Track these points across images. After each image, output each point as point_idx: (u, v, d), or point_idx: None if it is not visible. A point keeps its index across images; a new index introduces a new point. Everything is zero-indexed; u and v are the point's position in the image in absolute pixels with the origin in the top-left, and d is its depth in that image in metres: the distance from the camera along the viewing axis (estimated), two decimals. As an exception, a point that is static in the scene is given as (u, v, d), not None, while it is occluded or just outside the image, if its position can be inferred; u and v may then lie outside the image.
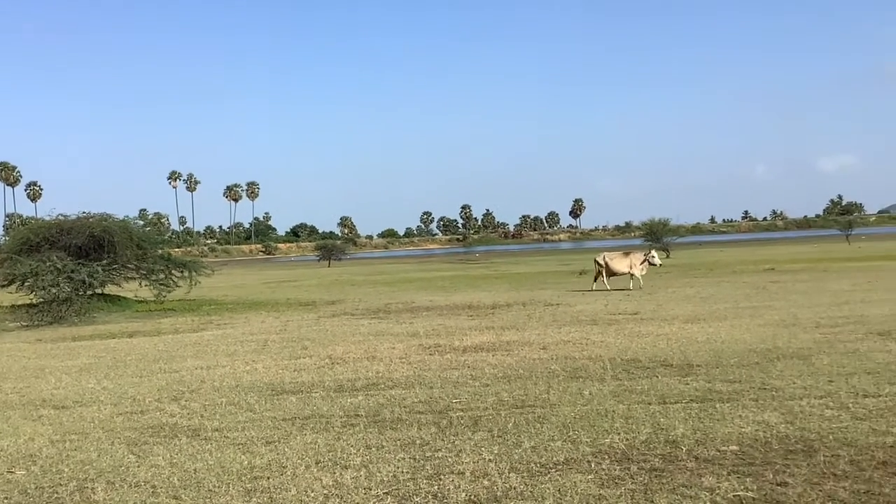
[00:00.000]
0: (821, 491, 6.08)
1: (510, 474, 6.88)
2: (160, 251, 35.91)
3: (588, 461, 7.13)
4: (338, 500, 6.53)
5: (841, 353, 12.02)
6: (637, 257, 30.93)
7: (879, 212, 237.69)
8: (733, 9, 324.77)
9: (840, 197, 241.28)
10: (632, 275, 30.35)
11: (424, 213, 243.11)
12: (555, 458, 7.27)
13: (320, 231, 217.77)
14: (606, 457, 7.23)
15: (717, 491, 6.19)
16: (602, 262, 30.77)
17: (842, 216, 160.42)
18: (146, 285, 33.82)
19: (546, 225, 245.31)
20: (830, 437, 7.46)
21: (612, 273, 30.66)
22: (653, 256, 30.95)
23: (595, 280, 31.20)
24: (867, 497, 5.91)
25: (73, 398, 11.66)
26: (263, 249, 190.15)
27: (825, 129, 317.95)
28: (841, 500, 5.89)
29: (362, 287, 40.82)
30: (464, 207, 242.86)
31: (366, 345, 16.03)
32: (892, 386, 9.49)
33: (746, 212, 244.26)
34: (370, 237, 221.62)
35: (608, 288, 29.55)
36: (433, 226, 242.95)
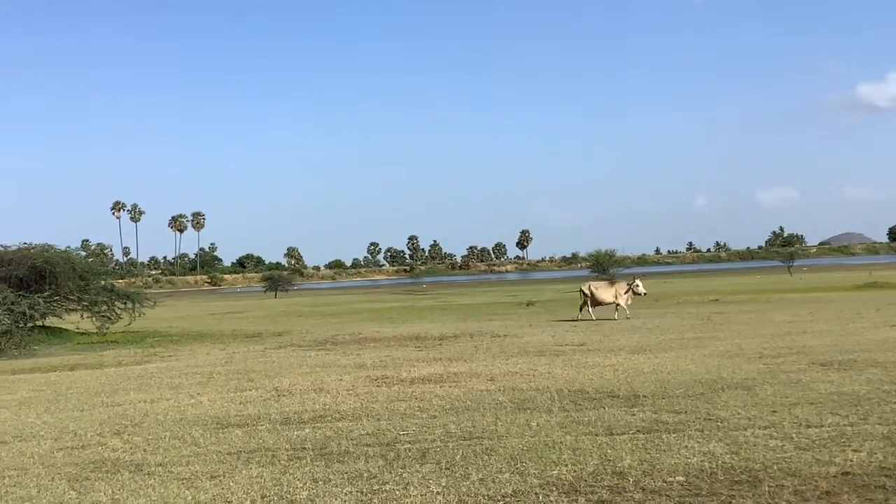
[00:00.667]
0: (766, 521, 6.14)
1: (458, 507, 6.85)
2: (103, 282, 35.34)
3: (536, 493, 7.13)
4: (284, 535, 6.45)
5: (784, 384, 12.17)
6: (622, 287, 30.76)
7: (820, 243, 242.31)
8: (675, 38, 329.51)
9: (781, 229, 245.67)
10: (617, 304, 30.19)
11: (372, 244, 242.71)
12: (503, 491, 7.26)
13: (267, 262, 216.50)
14: (554, 489, 7.23)
15: (664, 522, 6.22)
16: (588, 292, 30.49)
17: (783, 248, 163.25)
18: (88, 317, 33.24)
19: (493, 256, 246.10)
20: (775, 467, 7.54)
21: (597, 302, 30.32)
22: (637, 286, 30.64)
23: (580, 310, 30.82)
24: (811, 527, 5.98)
25: (12, 433, 11.40)
26: (209, 280, 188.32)
27: (765, 163, 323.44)
28: (785, 529, 5.95)
29: (309, 318, 40.56)
30: (411, 238, 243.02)
31: (313, 376, 15.90)
32: (834, 416, 9.63)
33: (691, 243, 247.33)
34: (317, 268, 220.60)
35: (593, 318, 29.40)
36: (380, 257, 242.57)
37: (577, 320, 29.51)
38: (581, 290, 31.16)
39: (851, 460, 7.63)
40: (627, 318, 28.97)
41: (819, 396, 10.97)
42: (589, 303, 30.31)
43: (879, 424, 9.08)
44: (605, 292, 30.44)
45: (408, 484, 7.64)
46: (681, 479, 7.33)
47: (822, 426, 9.16)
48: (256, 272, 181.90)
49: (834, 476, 7.18)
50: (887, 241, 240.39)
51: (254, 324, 37.50)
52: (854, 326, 21.28)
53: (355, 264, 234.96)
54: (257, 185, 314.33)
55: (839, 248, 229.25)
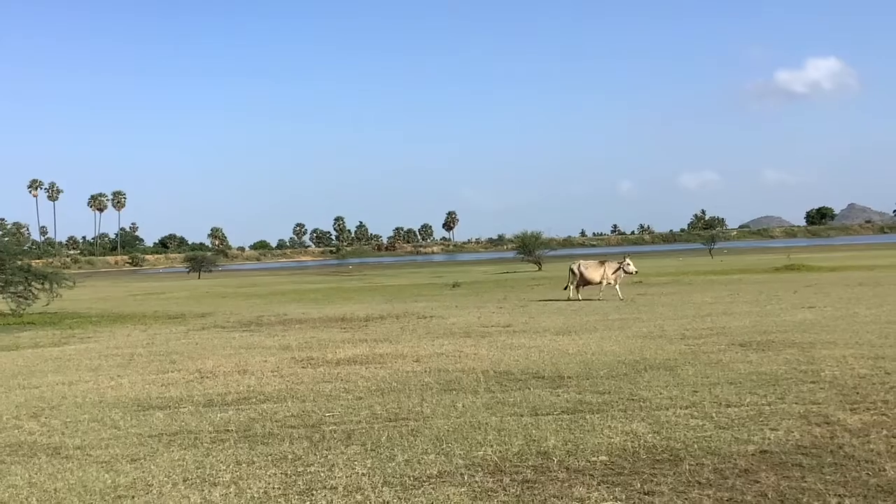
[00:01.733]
0: (686, 499, 6.23)
1: (383, 488, 6.83)
2: (19, 262, 34.36)
3: (461, 474, 7.14)
4: (206, 519, 6.36)
5: (705, 364, 12.38)
6: (611, 266, 29.71)
7: (740, 226, 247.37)
8: (599, 22, 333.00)
9: (703, 212, 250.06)
10: (607, 283, 29.32)
11: (297, 225, 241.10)
12: (428, 472, 7.26)
13: (190, 242, 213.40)
14: (479, 469, 7.25)
15: (588, 501, 6.29)
16: (576, 271, 29.64)
17: (705, 231, 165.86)
18: (4, 298, 32.40)
19: (419, 237, 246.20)
20: (695, 446, 7.66)
21: (585, 282, 29.48)
22: (628, 264, 29.50)
23: (566, 288, 30.15)
24: (730, 504, 6.09)
25: (-78, 416, 11.06)
26: (130, 261, 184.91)
27: (687, 148, 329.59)
28: (706, 507, 6.05)
29: (233, 299, 40.10)
30: (337, 219, 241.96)
31: (237, 358, 15.72)
32: (753, 396, 9.82)
33: (615, 226, 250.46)
34: (242, 249, 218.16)
35: (579, 298, 28.90)
36: (306, 238, 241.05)
37: (568, 300, 28.75)
38: (570, 269, 30.17)
39: (769, 439, 7.79)
40: (621, 299, 27.74)
41: (738, 376, 11.18)
42: (578, 282, 29.49)
43: (796, 403, 9.28)
44: (594, 272, 29.53)
45: (333, 466, 7.59)
46: (604, 458, 7.41)
47: (742, 405, 9.34)
48: (179, 253, 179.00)
49: (752, 454, 7.32)
50: (804, 224, 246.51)
51: (176, 305, 36.93)
52: (772, 308, 21.74)
53: (280, 245, 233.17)
54: (181, 165, 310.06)
55: (759, 231, 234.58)
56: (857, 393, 9.64)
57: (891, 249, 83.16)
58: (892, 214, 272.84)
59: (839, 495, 6.16)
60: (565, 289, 30.38)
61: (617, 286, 29.29)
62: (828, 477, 6.58)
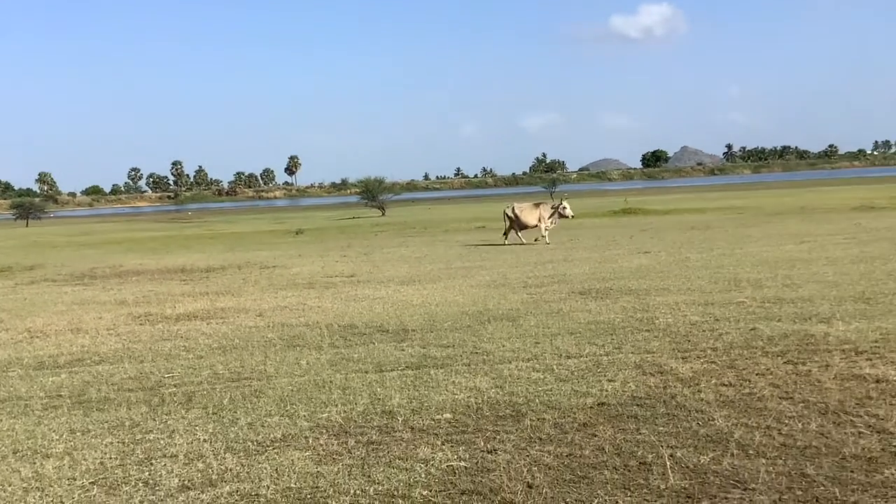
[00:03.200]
0: (527, 456, 6.34)
1: (226, 455, 6.70)
2: None
3: (306, 437, 7.07)
4: (38, 494, 6.09)
5: (546, 314, 12.64)
6: (546, 209, 28.66)
7: (580, 169, 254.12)
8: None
9: (544, 155, 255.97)
10: (546, 227, 28.36)
11: (132, 170, 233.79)
12: (272, 436, 7.16)
13: (16, 188, 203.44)
14: (324, 431, 7.20)
15: (432, 462, 6.32)
16: (511, 215, 28.56)
17: (546, 174, 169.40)
18: None
19: (261, 182, 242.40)
20: (536, 400, 7.80)
21: (523, 226, 28.36)
22: (564, 208, 28.68)
23: (505, 235, 29.12)
24: (569, 460, 6.23)
25: None
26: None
27: (527, 90, 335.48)
28: (546, 464, 6.17)
29: (65, 250, 38.50)
30: (175, 164, 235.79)
31: (69, 315, 15.10)
32: (592, 346, 10.08)
33: (459, 169, 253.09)
34: (73, 195, 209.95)
35: (523, 242, 28.01)
36: (142, 183, 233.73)
37: (503, 244, 28.07)
38: (505, 213, 29.27)
39: (606, 390, 8.01)
40: (547, 244, 27.06)
41: (578, 326, 11.45)
42: (515, 226, 28.58)
43: (632, 353, 9.58)
44: (528, 214, 28.43)
45: (173, 432, 7.39)
46: (448, 416, 7.46)
47: (581, 356, 9.57)
48: (4, 199, 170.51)
49: (591, 407, 7.51)
50: (641, 167, 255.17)
51: (2, 256, 35.17)
52: (610, 254, 22.38)
53: (115, 191, 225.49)
54: (4, 104, 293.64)
55: (598, 174, 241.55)
56: (689, 341, 10.02)
57: (720, 191, 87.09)
58: (722, 157, 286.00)
59: (671, 446, 6.39)
60: (504, 235, 29.33)
61: (545, 231, 28.36)
62: (661, 428, 6.82)
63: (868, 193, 56.73)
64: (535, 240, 28.08)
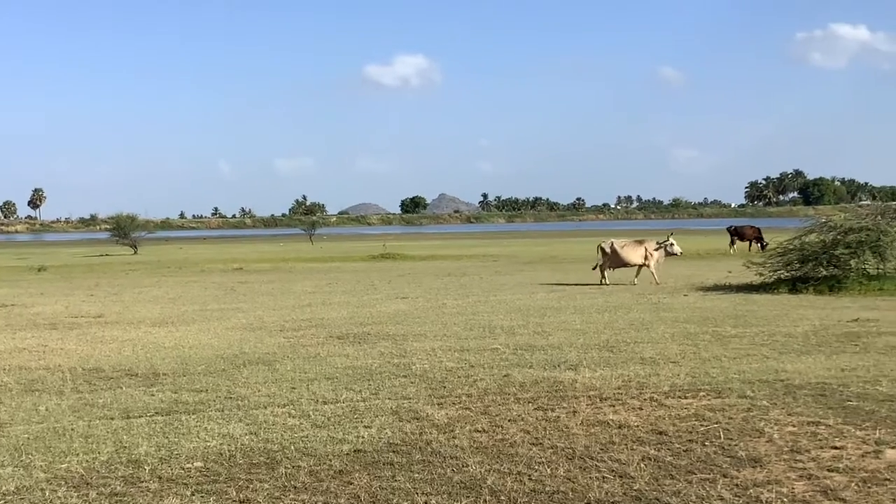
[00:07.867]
0: (282, 506, 6.19)
1: (-51, 511, 6.13)
2: None
3: (42, 489, 6.60)
4: None
5: (304, 358, 12.48)
6: (651, 245, 25.35)
7: (340, 212, 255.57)
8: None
9: (304, 197, 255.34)
10: (646, 266, 25.06)
11: None
12: (5, 488, 6.64)
13: None
14: (63, 483, 6.74)
15: (181, 514, 6.05)
16: (609, 250, 25.28)
17: (306, 216, 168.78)
18: None
19: (1, 215, 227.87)
20: (292, 447, 7.65)
21: (621, 263, 25.25)
22: (671, 244, 25.40)
23: (601, 271, 25.66)
24: (325, 509, 6.14)
25: None
26: None
27: (282, 132, 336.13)
28: (301, 513, 6.05)
29: None
30: None
31: None
32: (349, 391, 10.02)
33: (216, 208, 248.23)
34: None
35: (606, 283, 25.20)
36: None
37: (601, 284, 25.12)
38: (600, 248, 25.92)
39: (363, 437, 7.97)
40: (657, 283, 24.25)
41: (336, 371, 11.38)
42: (609, 263, 25.44)
43: (389, 399, 9.60)
44: (631, 251, 25.16)
45: None
46: (199, 464, 7.18)
47: (338, 402, 9.49)
48: None
49: (347, 454, 7.44)
50: (400, 212, 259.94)
51: None
52: (369, 298, 22.49)
53: None
54: None
55: (357, 218, 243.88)
56: (444, 387, 10.16)
57: (476, 239, 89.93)
58: (477, 205, 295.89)
59: (426, 493, 6.42)
60: (594, 269, 26.31)
61: (654, 270, 25.14)
62: (416, 475, 6.84)
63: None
64: (633, 283, 25.06)
